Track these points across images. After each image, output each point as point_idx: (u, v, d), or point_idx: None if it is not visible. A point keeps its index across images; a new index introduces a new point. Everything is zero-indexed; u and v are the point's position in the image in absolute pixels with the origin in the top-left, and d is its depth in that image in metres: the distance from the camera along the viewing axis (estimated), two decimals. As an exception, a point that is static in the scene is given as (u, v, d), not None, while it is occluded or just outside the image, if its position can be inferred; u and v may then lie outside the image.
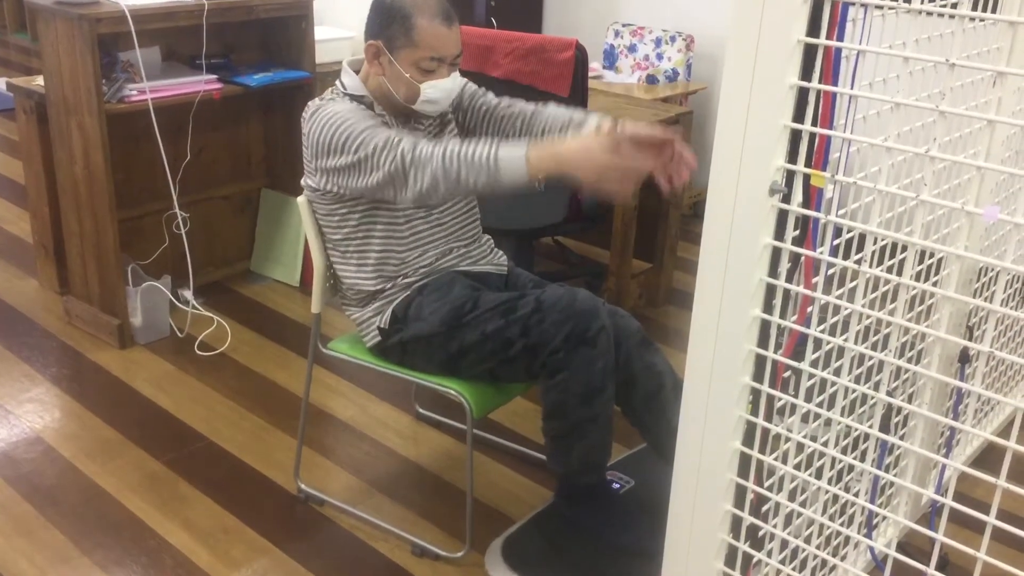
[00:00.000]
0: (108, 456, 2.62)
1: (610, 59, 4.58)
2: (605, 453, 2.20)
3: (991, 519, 1.35)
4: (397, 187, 1.99)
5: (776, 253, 1.49)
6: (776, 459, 1.62)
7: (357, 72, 2.21)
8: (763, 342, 1.54)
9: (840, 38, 1.39)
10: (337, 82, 2.21)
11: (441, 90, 2.14)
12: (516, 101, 2.30)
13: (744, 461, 1.61)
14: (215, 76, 3.26)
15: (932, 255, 1.98)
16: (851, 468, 1.93)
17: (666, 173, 1.89)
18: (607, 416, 2.13)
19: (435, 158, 1.93)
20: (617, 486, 2.48)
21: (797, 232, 1.49)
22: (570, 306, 2.06)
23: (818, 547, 1.76)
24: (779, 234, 1.48)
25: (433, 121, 2.30)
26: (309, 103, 2.18)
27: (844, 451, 1.75)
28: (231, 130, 3.63)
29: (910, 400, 2.16)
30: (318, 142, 2.09)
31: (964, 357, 2.16)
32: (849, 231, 1.53)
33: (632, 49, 4.51)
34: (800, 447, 1.64)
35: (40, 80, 3.21)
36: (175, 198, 3.24)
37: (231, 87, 3.29)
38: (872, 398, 1.61)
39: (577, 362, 2.06)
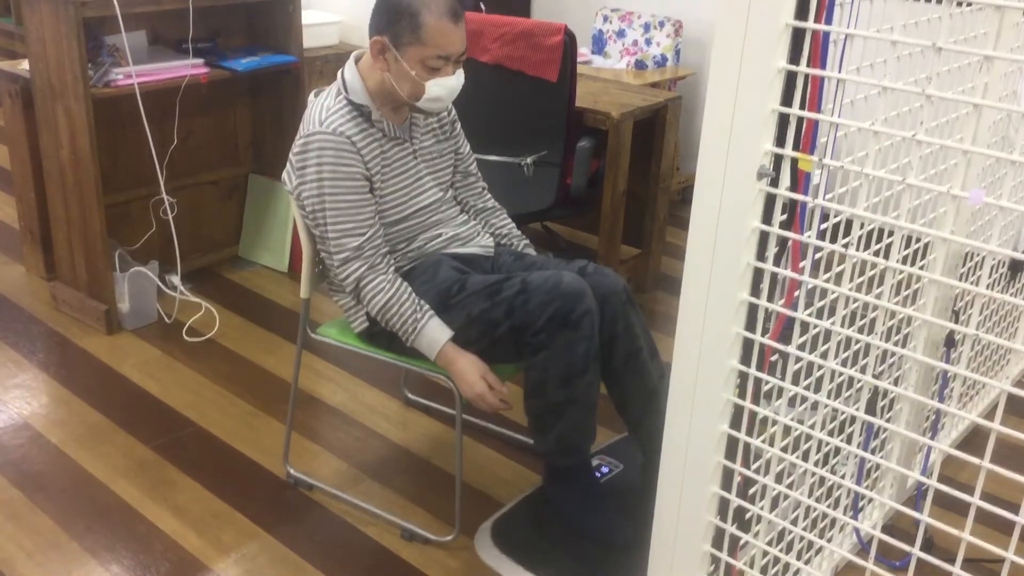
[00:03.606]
0: (96, 442, 2.62)
1: (599, 44, 4.58)
2: (584, 436, 2.19)
3: (975, 500, 1.36)
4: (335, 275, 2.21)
5: (764, 237, 1.50)
6: (763, 442, 1.63)
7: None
8: (751, 326, 1.55)
9: (828, 22, 1.39)
10: (339, 74, 2.20)
11: (446, 88, 2.13)
12: (479, 191, 2.47)
13: (731, 444, 1.62)
14: (202, 60, 3.25)
15: (919, 239, 2.00)
16: (837, 451, 1.95)
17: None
18: (588, 399, 2.13)
19: (382, 295, 2.13)
20: (606, 470, 2.50)
21: (785, 216, 1.50)
22: (555, 288, 2.06)
23: (804, 529, 1.78)
24: (767, 218, 1.49)
25: (433, 121, 2.31)
26: (306, 118, 2.17)
27: (831, 434, 1.77)
28: (218, 115, 3.61)
29: (896, 383, 2.18)
30: (296, 180, 2.17)
31: (950, 340, 2.18)
32: (836, 215, 1.54)
33: (621, 34, 4.50)
34: (787, 430, 1.65)
35: (25, 64, 3.19)
36: (162, 183, 3.22)
37: (218, 71, 3.27)
38: (859, 381, 1.62)
39: (559, 343, 2.06)
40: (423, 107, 2.16)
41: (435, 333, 2.12)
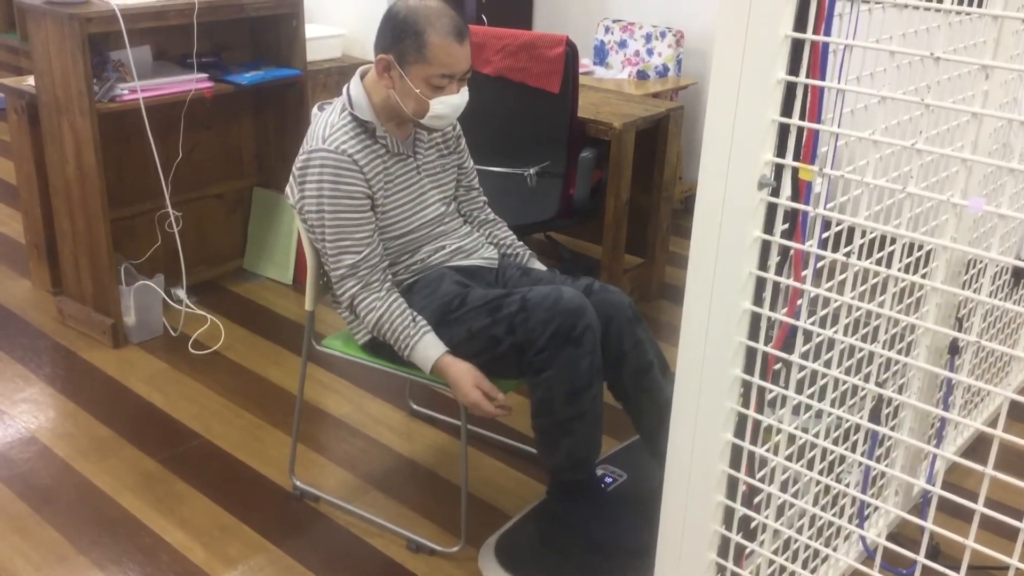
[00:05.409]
0: (103, 455, 2.63)
1: (600, 55, 4.60)
2: (592, 450, 2.20)
3: (979, 507, 1.36)
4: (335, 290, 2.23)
5: (766, 246, 1.51)
6: (768, 450, 1.63)
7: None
8: (754, 334, 1.55)
9: (827, 33, 1.40)
10: (344, 90, 2.21)
11: (450, 106, 2.15)
12: (481, 204, 2.48)
13: (736, 453, 1.63)
14: (206, 75, 3.26)
15: (920, 247, 2.00)
16: (842, 459, 1.95)
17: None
18: (594, 414, 2.13)
19: (374, 312, 2.15)
20: (609, 480, 2.50)
21: (786, 225, 1.50)
22: (555, 305, 2.07)
23: (810, 537, 1.78)
24: (768, 227, 1.49)
25: (437, 136, 2.32)
26: (310, 133, 2.18)
27: (835, 442, 1.77)
28: (222, 129, 3.63)
29: (900, 391, 2.18)
30: (298, 195, 2.18)
31: (953, 348, 2.18)
32: (838, 224, 1.55)
33: (622, 45, 4.52)
34: (791, 438, 1.65)
35: (31, 80, 3.21)
36: (167, 197, 3.24)
37: (222, 86, 3.29)
38: (862, 389, 1.62)
39: (562, 361, 2.06)
40: (427, 124, 2.17)
41: (428, 350, 2.13)
